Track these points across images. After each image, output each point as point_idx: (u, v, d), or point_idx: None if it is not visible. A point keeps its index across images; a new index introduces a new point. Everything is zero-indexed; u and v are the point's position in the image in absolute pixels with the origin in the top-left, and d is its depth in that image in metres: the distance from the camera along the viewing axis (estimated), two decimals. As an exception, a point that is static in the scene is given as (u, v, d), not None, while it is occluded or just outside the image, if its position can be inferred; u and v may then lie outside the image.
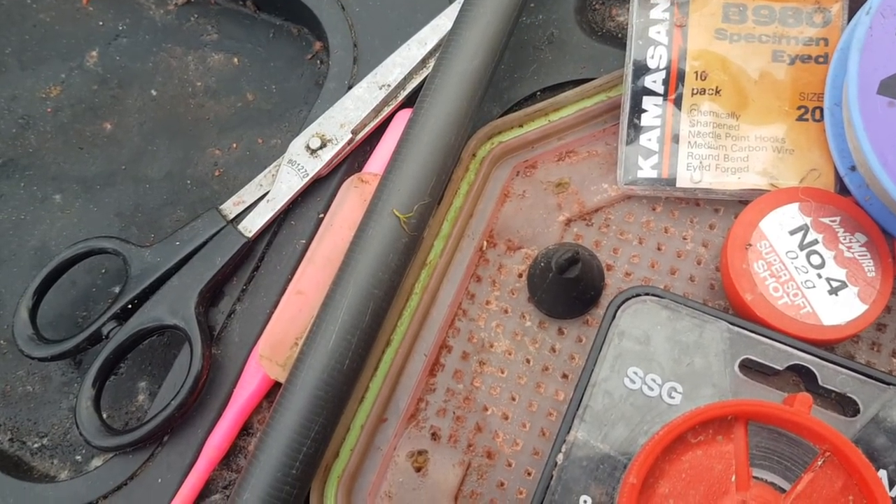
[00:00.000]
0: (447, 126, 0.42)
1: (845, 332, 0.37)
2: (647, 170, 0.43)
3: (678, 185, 0.42)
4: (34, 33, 0.55)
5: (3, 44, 0.55)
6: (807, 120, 0.42)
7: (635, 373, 0.37)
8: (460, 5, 0.44)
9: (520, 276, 0.43)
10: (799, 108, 0.42)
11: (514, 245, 0.44)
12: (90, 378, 0.41)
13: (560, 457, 0.36)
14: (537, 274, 0.41)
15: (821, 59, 0.43)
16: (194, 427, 0.42)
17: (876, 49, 0.37)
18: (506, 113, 0.47)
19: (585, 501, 0.35)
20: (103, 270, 0.48)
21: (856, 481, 0.33)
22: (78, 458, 0.44)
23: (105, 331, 0.43)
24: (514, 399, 0.41)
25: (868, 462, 0.33)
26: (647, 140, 0.43)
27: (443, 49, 0.43)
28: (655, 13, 0.44)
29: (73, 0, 0.55)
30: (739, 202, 0.42)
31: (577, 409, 0.37)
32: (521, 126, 0.46)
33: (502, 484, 0.39)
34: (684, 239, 0.43)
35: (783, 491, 0.34)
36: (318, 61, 0.52)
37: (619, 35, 0.49)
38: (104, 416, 0.42)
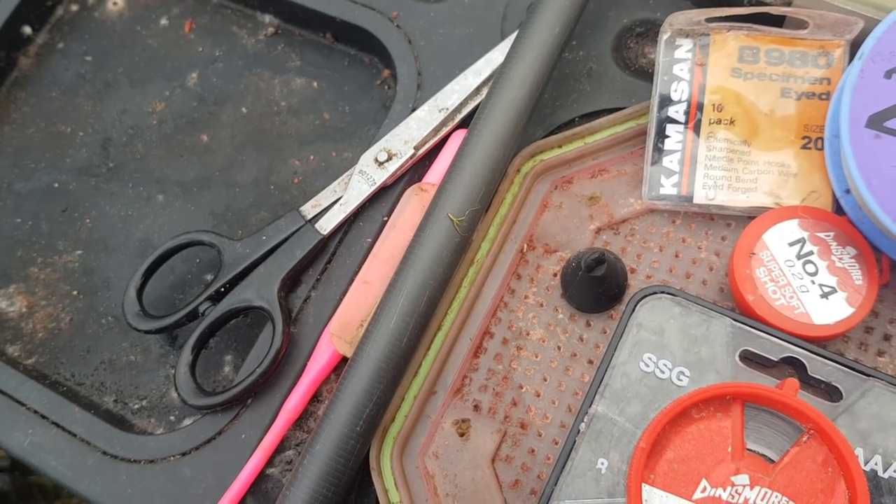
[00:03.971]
0: (496, 145, 0.45)
1: (833, 331, 0.41)
2: (668, 187, 0.46)
3: (695, 201, 0.45)
4: (143, 56, 0.60)
5: (115, 65, 0.60)
6: (810, 148, 0.45)
7: (650, 358, 0.41)
8: (511, 42, 0.48)
9: (555, 275, 0.46)
10: (803, 137, 0.45)
11: (551, 249, 0.47)
12: (189, 347, 0.46)
13: (582, 426, 0.40)
14: (569, 273, 0.45)
15: (823, 96, 0.45)
16: (273, 393, 0.46)
17: (866, 89, 0.40)
18: (547, 135, 0.49)
19: (603, 464, 0.39)
20: (197, 261, 0.52)
21: (835, 456, 0.37)
22: (172, 418, 0.49)
23: (201, 309, 0.48)
24: (545, 380, 0.44)
25: (846, 439, 0.36)
26: (669, 162, 0.46)
27: (495, 79, 0.47)
28: (680, 53, 0.47)
29: (177, 28, 0.60)
30: (748, 218, 0.44)
31: (599, 387, 0.41)
32: (560, 147, 0.48)
33: (533, 451, 0.44)
34: (699, 248, 0.46)
35: (772, 462, 0.38)
36: (386, 86, 0.56)
37: (650, 70, 0.51)
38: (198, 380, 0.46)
